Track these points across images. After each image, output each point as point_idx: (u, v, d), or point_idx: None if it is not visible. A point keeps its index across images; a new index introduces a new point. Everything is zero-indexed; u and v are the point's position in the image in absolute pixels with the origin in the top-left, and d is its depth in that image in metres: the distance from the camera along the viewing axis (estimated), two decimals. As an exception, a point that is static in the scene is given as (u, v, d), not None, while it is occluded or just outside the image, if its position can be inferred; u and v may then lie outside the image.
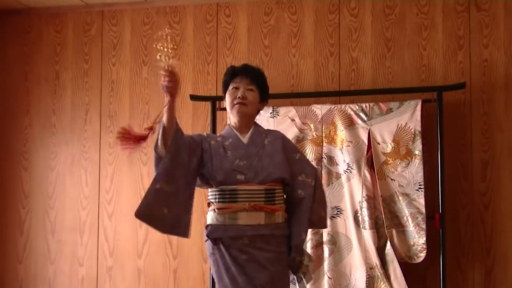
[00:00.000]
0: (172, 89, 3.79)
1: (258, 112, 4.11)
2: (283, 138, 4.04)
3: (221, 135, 4.05)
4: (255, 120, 4.10)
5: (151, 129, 3.87)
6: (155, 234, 5.89)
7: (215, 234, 3.84)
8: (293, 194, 3.94)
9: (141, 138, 3.94)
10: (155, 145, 3.86)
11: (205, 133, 4.14)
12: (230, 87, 3.98)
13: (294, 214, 3.95)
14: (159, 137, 3.82)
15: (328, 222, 5.12)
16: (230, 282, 3.82)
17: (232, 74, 4.02)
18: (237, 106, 3.92)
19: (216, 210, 3.88)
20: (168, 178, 3.78)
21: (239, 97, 3.91)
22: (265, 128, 4.21)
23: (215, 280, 3.94)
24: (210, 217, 3.91)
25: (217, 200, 3.89)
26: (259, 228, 3.80)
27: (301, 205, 3.91)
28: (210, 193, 3.96)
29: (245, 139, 3.97)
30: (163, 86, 3.78)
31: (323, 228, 4.35)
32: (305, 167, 3.97)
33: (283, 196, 3.95)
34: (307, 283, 3.98)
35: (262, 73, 4.07)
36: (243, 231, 3.80)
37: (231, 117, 4.03)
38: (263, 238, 3.81)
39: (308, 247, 5.22)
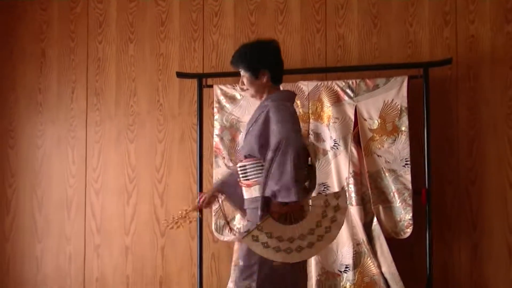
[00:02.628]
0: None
1: (265, 85, 4.11)
2: (269, 109, 3.97)
3: None
4: (272, 91, 4.14)
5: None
6: (143, 212, 5.93)
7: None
8: None
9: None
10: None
11: None
12: None
13: None
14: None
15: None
16: None
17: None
18: (244, 92, 4.28)
19: None
20: None
21: (241, 88, 4.31)
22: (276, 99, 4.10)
23: None
24: None
25: None
26: (245, 202, 4.10)
27: None
28: None
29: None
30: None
31: (285, 201, 3.83)
32: (272, 140, 3.85)
33: (261, 170, 3.92)
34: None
35: (245, 50, 4.16)
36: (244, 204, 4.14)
37: None
38: (247, 211, 4.10)
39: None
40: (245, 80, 4.12)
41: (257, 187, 3.95)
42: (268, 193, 3.76)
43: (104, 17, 6.21)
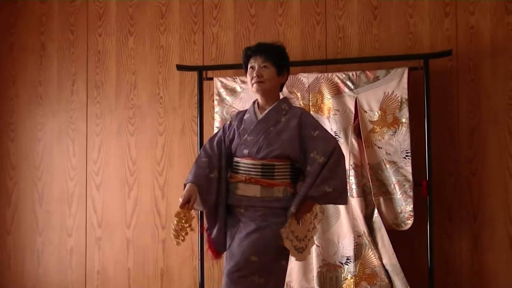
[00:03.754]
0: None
1: (281, 86, 4.30)
2: (302, 115, 4.17)
3: (245, 110, 4.34)
4: (280, 95, 4.30)
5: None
6: (144, 205, 5.93)
7: (228, 200, 4.17)
8: (305, 170, 4.06)
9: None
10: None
11: (235, 114, 4.43)
12: (248, 68, 4.19)
13: None
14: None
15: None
16: (229, 244, 4.14)
17: (247, 55, 4.21)
18: (255, 85, 4.11)
19: (229, 178, 4.20)
20: None
21: (255, 76, 4.11)
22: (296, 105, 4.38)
23: None
24: None
25: (230, 169, 4.22)
26: (253, 200, 4.06)
27: (305, 181, 4.03)
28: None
29: (261, 115, 4.19)
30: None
31: (338, 203, 4.30)
32: (318, 144, 4.03)
33: (289, 172, 4.10)
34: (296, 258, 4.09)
35: (277, 47, 4.22)
36: (239, 201, 4.11)
37: (256, 96, 4.26)
38: (257, 210, 4.05)
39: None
40: (267, 73, 4.12)
41: (281, 188, 4.06)
42: (316, 193, 3.93)
43: (104, 10, 6.20)
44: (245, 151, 4.11)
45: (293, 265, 5.24)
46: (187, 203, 4.01)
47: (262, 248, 3.96)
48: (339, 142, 5.11)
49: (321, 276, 5.20)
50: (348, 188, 4.15)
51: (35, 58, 6.34)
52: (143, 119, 5.99)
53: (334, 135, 5.19)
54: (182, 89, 5.92)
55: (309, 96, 5.34)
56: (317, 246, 5.20)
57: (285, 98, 4.33)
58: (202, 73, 5.63)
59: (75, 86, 6.21)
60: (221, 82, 5.55)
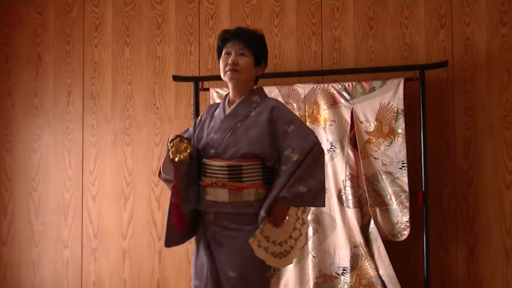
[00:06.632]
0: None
1: (256, 78, 3.92)
2: (273, 108, 3.77)
3: (218, 104, 3.98)
4: (254, 86, 3.92)
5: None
6: (140, 216, 5.92)
7: (198, 205, 3.80)
8: (278, 170, 3.69)
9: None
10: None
11: (207, 107, 4.08)
12: (223, 53, 3.82)
13: None
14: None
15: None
16: (197, 253, 3.85)
17: (224, 39, 3.84)
18: (229, 72, 3.76)
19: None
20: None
21: (229, 63, 3.75)
22: (268, 95, 3.97)
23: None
24: None
25: (201, 171, 3.82)
26: (222, 206, 3.70)
27: (277, 180, 3.68)
28: None
29: (229, 110, 3.83)
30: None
31: (314, 206, 4.08)
32: (294, 141, 3.65)
33: (260, 173, 3.73)
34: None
35: (259, 35, 3.87)
36: (208, 207, 3.74)
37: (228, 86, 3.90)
38: (228, 217, 3.71)
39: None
40: (244, 62, 3.75)
41: (252, 190, 3.70)
42: (289, 194, 3.58)
43: (100, 21, 6.21)
44: (212, 151, 3.74)
45: (289, 275, 5.25)
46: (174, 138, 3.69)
47: (239, 261, 3.65)
48: (335, 153, 5.14)
49: (318, 287, 5.19)
50: (325, 189, 3.80)
51: (31, 69, 6.34)
52: (139, 129, 5.99)
53: (330, 146, 5.19)
54: (178, 100, 5.92)
55: (305, 107, 5.34)
56: (313, 257, 5.20)
57: (259, 89, 3.93)
58: (198, 84, 5.63)
59: (71, 97, 6.21)
60: (217, 92, 5.55)
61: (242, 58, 3.75)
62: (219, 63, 3.85)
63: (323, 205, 3.79)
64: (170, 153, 3.69)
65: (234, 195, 3.67)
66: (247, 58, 3.76)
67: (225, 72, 3.78)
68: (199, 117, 4.01)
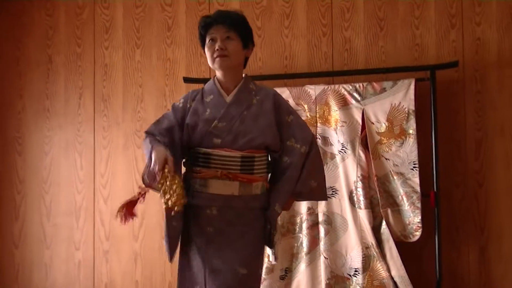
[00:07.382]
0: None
1: (246, 60, 3.71)
2: (275, 96, 3.65)
3: (202, 90, 3.70)
4: (243, 72, 3.71)
5: (142, 194, 3.47)
6: (151, 218, 5.92)
7: (190, 200, 3.47)
8: (280, 161, 3.59)
9: (134, 204, 3.52)
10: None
11: (187, 94, 3.74)
12: (207, 40, 3.57)
13: (275, 183, 3.61)
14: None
15: (323, 202, 5.16)
16: (192, 257, 3.63)
17: (206, 24, 3.59)
18: (218, 59, 3.52)
19: (188, 173, 3.60)
20: None
21: (218, 49, 3.51)
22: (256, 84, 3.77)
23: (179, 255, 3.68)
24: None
25: (190, 162, 3.60)
26: (232, 199, 3.49)
27: (284, 174, 3.56)
28: (187, 154, 3.64)
29: (229, 97, 3.61)
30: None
31: (321, 200, 4.05)
32: (296, 131, 3.57)
33: (266, 164, 3.61)
34: (275, 260, 3.69)
35: (240, 16, 3.63)
36: (212, 201, 3.49)
37: (216, 73, 3.66)
38: (236, 211, 3.51)
39: (304, 228, 5.24)
40: (232, 45, 3.53)
41: (260, 183, 3.56)
42: (304, 189, 3.54)
43: (111, 23, 6.22)
44: (217, 141, 3.48)
45: (301, 277, 5.24)
46: (164, 165, 3.26)
47: (249, 257, 3.50)
48: (346, 154, 5.15)
49: (329, 288, 5.20)
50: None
51: (42, 71, 6.35)
52: (150, 131, 5.99)
53: (341, 147, 5.19)
54: (189, 102, 5.92)
55: (316, 108, 5.34)
56: (325, 258, 5.20)
57: (248, 76, 3.71)
58: (209, 86, 5.63)
59: (82, 99, 6.23)
60: (228, 94, 5.54)
61: (229, 42, 3.52)
62: (204, 52, 3.65)
63: (326, 199, 3.87)
64: (158, 188, 3.31)
65: (244, 188, 3.49)
66: (235, 41, 3.54)
67: (213, 60, 3.55)
68: (180, 104, 3.67)
